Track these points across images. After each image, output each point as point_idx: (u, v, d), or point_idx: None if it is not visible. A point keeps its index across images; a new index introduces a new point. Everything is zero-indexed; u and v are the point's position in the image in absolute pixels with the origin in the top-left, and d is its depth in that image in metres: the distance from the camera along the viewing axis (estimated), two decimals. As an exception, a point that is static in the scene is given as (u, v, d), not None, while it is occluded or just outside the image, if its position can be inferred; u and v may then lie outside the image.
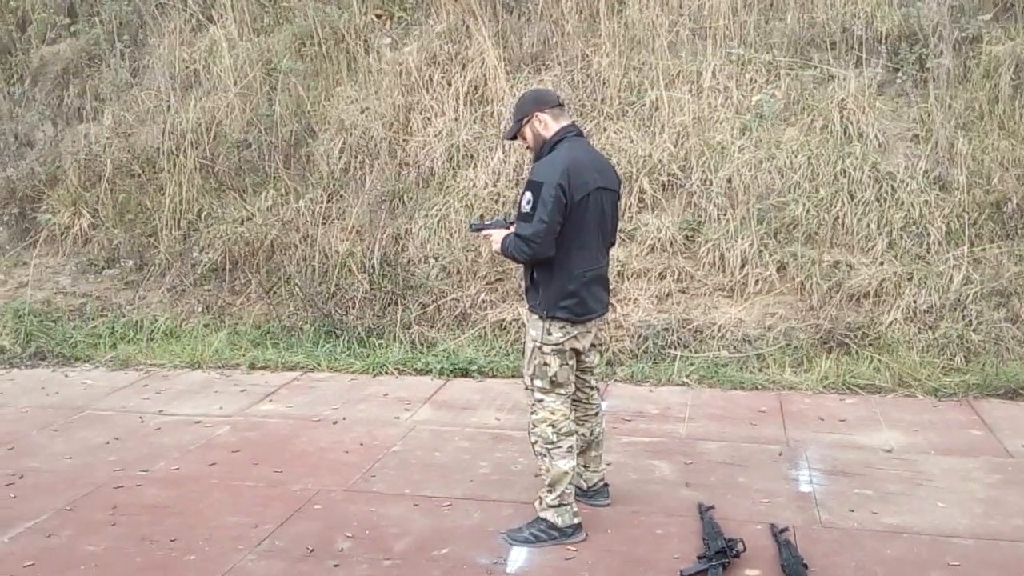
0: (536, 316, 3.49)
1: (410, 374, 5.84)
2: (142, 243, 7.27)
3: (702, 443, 4.54)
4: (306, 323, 6.56)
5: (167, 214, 7.26)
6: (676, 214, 6.37)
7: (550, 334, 3.45)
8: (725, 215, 6.23)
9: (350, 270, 6.74)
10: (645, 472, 4.19)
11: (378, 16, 7.86)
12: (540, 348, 3.47)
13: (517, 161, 6.83)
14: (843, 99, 6.52)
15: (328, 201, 7.07)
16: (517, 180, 6.75)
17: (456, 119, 7.19)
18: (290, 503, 3.97)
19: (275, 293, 6.85)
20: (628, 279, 6.19)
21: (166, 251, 7.14)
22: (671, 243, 6.23)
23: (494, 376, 5.71)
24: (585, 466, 3.82)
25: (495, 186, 6.83)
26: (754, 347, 5.67)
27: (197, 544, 3.62)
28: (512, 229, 3.49)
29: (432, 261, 6.62)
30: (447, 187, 6.93)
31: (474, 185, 6.87)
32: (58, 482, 4.30)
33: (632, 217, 6.45)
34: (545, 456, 3.51)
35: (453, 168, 7.01)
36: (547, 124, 3.49)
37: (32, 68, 8.37)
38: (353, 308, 6.57)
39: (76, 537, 3.72)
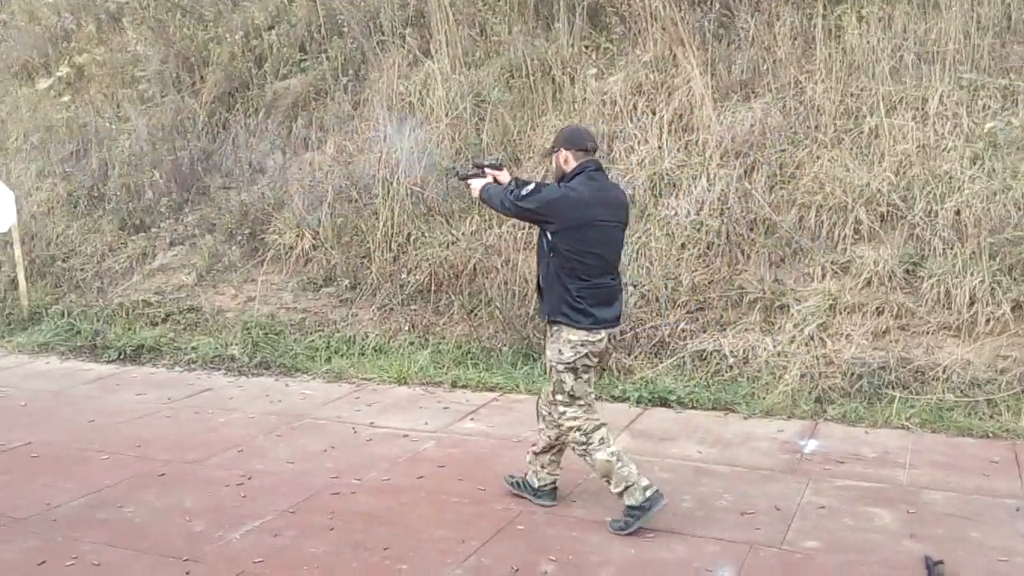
0: (549, 325, 3.99)
1: (607, 400, 5.80)
2: (356, 264, 7.71)
3: (926, 492, 4.20)
4: (505, 345, 6.70)
5: (379, 237, 7.66)
6: (896, 246, 5.99)
7: (562, 354, 3.91)
8: (952, 249, 5.78)
9: (549, 295, 6.82)
10: (863, 519, 3.93)
11: (585, 47, 7.98)
12: (556, 366, 3.94)
13: (722, 190, 6.69)
14: (1094, 124, 5.91)
15: (530, 227, 7.21)
16: (722, 209, 6.61)
17: (660, 147, 7.14)
18: (494, 521, 4.04)
19: (476, 315, 7.05)
20: (840, 313, 5.87)
21: (377, 272, 7.54)
22: (890, 277, 5.85)
23: (694, 407, 5.57)
24: (542, 466, 4.21)
25: (698, 215, 6.72)
26: (984, 391, 5.20)
27: (408, 555, 3.76)
28: (489, 176, 4.17)
29: (631, 289, 6.58)
30: (648, 215, 6.88)
31: (676, 214, 6.79)
32: (281, 485, 4.60)
33: (846, 249, 6.13)
34: (584, 456, 3.96)
35: (655, 196, 6.96)
36: (568, 161, 3.98)
37: (266, 101, 9.12)
38: (551, 333, 6.63)
39: (299, 538, 3.96)
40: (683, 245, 6.61)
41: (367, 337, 7.14)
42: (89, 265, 8.44)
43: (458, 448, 5.06)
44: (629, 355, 6.28)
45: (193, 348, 7.15)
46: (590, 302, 3.87)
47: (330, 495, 4.44)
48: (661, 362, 6.12)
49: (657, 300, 6.45)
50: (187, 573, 3.67)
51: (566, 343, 3.89)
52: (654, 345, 6.27)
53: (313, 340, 7.19)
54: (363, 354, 6.97)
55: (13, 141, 9.63)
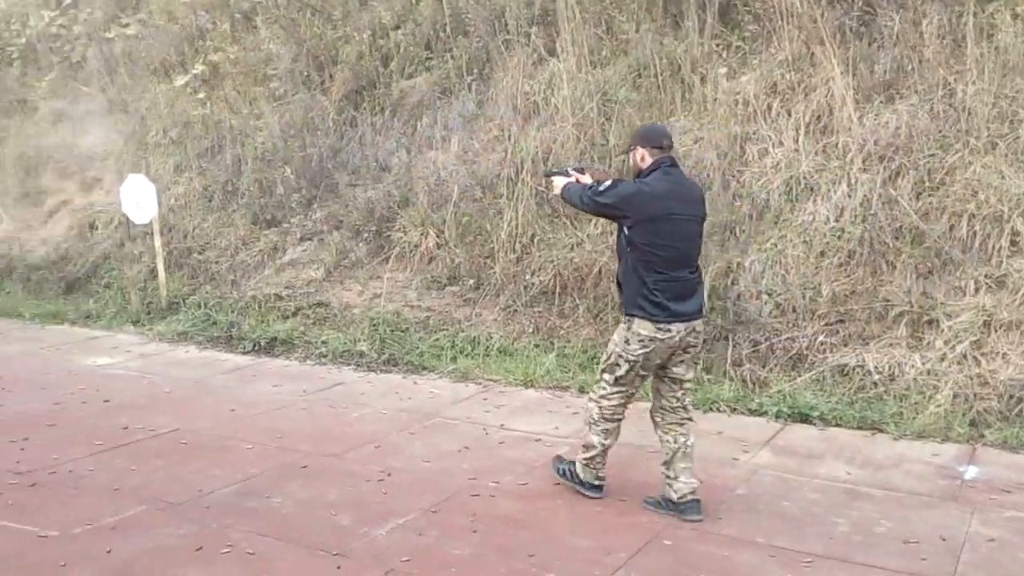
0: (624, 316, 4.10)
1: (743, 414, 5.64)
2: (480, 264, 7.73)
3: (1110, 530, 3.91)
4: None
5: (504, 237, 7.66)
6: (1059, 261, 5.62)
7: (628, 344, 4.04)
8: (1125, 265, 5.39)
9: (677, 301, 6.68)
10: (1041, 556, 3.69)
11: (716, 46, 7.78)
12: (619, 353, 4.08)
13: (864, 196, 6.42)
14: None
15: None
16: (864, 215, 6.34)
17: (796, 150, 6.90)
18: (638, 534, 3.96)
19: (602, 319, 6.96)
20: (996, 330, 5.54)
21: (501, 272, 7.54)
22: (1052, 293, 5.50)
23: (838, 425, 5.35)
24: (674, 477, 4.14)
25: (837, 221, 6.46)
26: None
27: (554, 563, 3.72)
28: (572, 177, 4.39)
29: (765, 297, 6.38)
30: (784, 220, 6.66)
31: (814, 219, 6.55)
32: (419, 483, 4.63)
33: (1002, 262, 5.79)
34: (588, 426, 4.30)
35: (791, 201, 6.73)
36: (644, 158, 4.15)
37: (392, 100, 9.24)
38: (680, 340, 6.49)
39: (442, 539, 3.97)
40: (822, 253, 6.37)
41: (491, 338, 7.14)
42: (223, 258, 8.74)
43: (593, 455, 4.98)
44: (763, 367, 6.09)
45: (323, 342, 7.30)
46: (667, 295, 3.96)
47: (470, 496, 4.44)
48: (799, 376, 5.90)
49: (794, 310, 6.23)
50: (338, 568, 3.72)
51: (635, 335, 4.01)
52: (790, 358, 6.05)
53: (438, 339, 7.24)
54: (487, 355, 6.98)
55: (152, 136, 10.05)
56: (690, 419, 4.24)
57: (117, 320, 8.48)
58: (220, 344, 7.61)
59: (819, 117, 7.00)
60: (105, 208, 9.98)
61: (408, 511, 4.27)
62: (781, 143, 7.01)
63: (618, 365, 4.10)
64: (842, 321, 6.08)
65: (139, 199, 8.41)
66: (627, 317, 4.07)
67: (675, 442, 4.15)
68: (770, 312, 6.30)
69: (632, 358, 4.04)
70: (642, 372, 4.09)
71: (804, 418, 5.43)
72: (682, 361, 4.12)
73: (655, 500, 4.25)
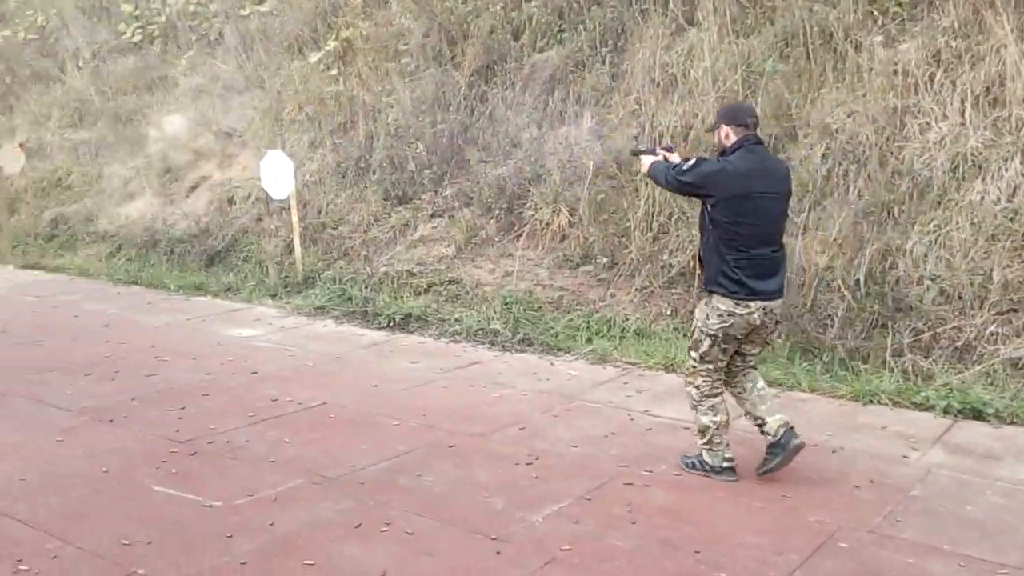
0: (704, 292, 4.23)
1: (907, 407, 5.30)
2: (614, 243, 7.54)
3: None
4: (780, 337, 6.30)
5: (640, 216, 7.45)
6: None
7: (708, 319, 4.13)
8: None
9: (828, 285, 6.35)
10: None
11: (871, 12, 7.30)
12: (700, 328, 4.18)
13: (1043, 174, 5.91)
14: None
15: (807, 211, 6.73)
16: (1042, 196, 5.84)
17: (962, 124, 6.42)
18: (811, 535, 3.75)
19: (745, 302, 6.68)
20: None
21: (637, 252, 7.33)
22: None
23: (1014, 423, 4.96)
24: (763, 420, 4.21)
25: (1010, 201, 5.99)
26: None
27: (723, 561, 3.56)
28: (659, 155, 4.43)
29: (928, 283, 5.97)
30: (948, 200, 6.21)
31: (983, 199, 6.08)
32: (569, 468, 4.54)
33: None
34: (693, 410, 4.35)
35: (957, 179, 6.27)
36: (729, 136, 4.19)
37: (523, 75, 9.10)
38: (831, 327, 6.17)
39: (601, 528, 3.86)
40: (993, 236, 5.91)
41: (627, 319, 6.96)
42: (356, 234, 8.83)
43: (746, 447, 4.73)
44: (926, 358, 5.72)
45: (456, 320, 7.28)
46: (747, 273, 4.02)
47: (623, 485, 4.32)
48: (967, 368, 5.51)
49: (960, 298, 5.82)
50: (498, 553, 3.66)
51: (714, 310, 4.10)
52: (957, 349, 5.66)
53: (572, 319, 7.11)
54: (623, 337, 6.80)
55: (288, 112, 10.24)
56: (752, 367, 4.38)
57: (256, 293, 8.69)
58: (356, 319, 7.70)
59: (988, 88, 6.48)
60: (242, 183, 10.24)
61: (562, 497, 4.17)
62: (946, 116, 6.53)
63: (701, 341, 4.21)
64: (1016, 310, 5.64)
65: (278, 175, 8.57)
66: (707, 293, 4.17)
67: (745, 390, 4.31)
68: (934, 299, 5.90)
69: (712, 332, 4.13)
70: (723, 346, 4.17)
71: (977, 414, 5.06)
72: (754, 341, 4.24)
73: (765, 460, 4.27)
